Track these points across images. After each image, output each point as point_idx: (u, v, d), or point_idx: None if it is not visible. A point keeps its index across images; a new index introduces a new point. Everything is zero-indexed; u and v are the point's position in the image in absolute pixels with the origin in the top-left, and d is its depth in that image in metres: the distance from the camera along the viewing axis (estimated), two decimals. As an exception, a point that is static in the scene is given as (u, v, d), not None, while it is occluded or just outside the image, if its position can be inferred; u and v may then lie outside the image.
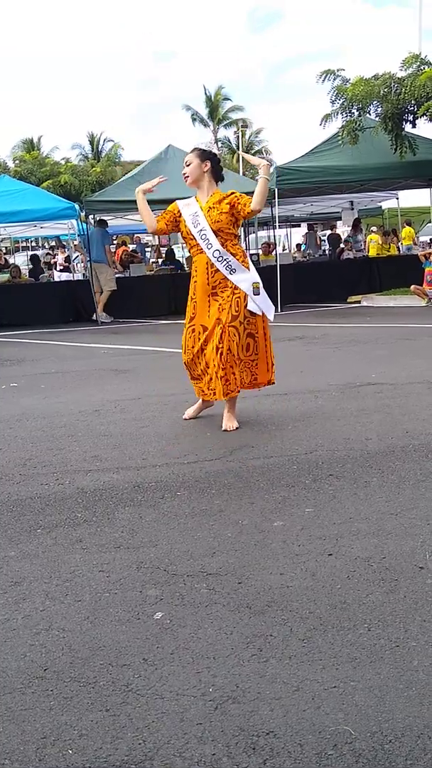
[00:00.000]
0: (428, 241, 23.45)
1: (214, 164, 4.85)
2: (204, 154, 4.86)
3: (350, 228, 19.95)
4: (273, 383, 5.06)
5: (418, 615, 2.20)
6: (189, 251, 4.96)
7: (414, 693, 1.81)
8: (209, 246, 4.71)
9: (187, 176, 4.81)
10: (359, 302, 14.62)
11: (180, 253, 21.30)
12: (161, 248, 22.43)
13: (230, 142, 49.61)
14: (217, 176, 4.89)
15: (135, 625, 2.24)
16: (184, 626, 2.22)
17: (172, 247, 21.44)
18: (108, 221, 15.44)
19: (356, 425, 4.63)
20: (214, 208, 4.73)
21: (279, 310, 13.72)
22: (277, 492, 3.44)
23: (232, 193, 4.79)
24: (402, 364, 7.04)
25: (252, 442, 4.37)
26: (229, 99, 49.32)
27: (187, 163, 4.85)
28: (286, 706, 1.78)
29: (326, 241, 22.14)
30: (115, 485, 3.68)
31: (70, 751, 1.67)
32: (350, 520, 3.04)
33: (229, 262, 4.72)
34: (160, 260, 20.04)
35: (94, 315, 14.05)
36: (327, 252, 20.90)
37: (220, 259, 4.70)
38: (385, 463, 3.78)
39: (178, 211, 4.85)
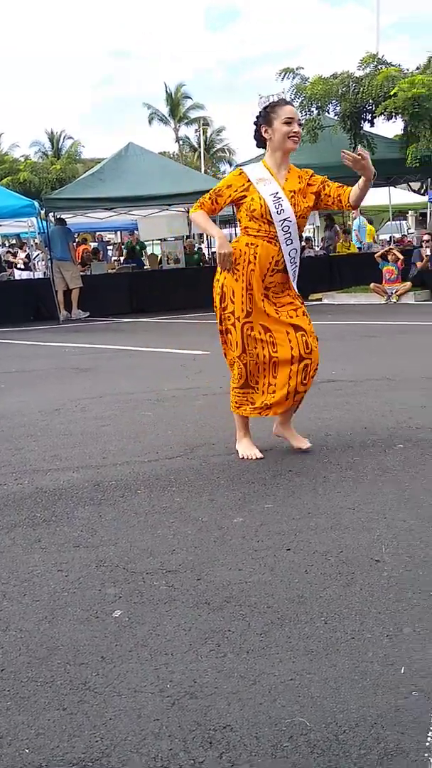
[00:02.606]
0: (387, 240, 23.71)
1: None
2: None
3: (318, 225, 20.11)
4: None
5: (373, 607, 2.23)
6: (240, 225, 3.92)
7: (368, 684, 1.84)
8: (289, 241, 3.84)
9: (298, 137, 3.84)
10: (320, 300, 14.71)
11: (151, 249, 21.22)
12: (122, 246, 22.35)
13: (191, 141, 49.63)
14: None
15: (93, 624, 2.24)
16: (142, 623, 2.22)
17: (139, 243, 21.37)
18: (69, 219, 15.33)
19: (316, 421, 4.67)
20: (297, 194, 3.83)
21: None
22: (238, 488, 3.46)
23: (313, 175, 3.91)
24: (361, 360, 7.12)
25: (212, 440, 4.38)
26: (189, 97, 49.32)
27: (299, 122, 3.93)
28: (243, 700, 1.80)
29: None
30: (74, 484, 3.66)
31: (27, 750, 1.66)
32: (309, 515, 3.07)
33: (297, 267, 3.97)
34: (122, 258, 19.95)
35: (60, 314, 13.94)
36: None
37: (292, 261, 3.90)
38: (344, 459, 3.82)
39: (246, 184, 3.81)
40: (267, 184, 3.80)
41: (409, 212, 32.63)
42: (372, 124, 13.91)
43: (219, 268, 3.88)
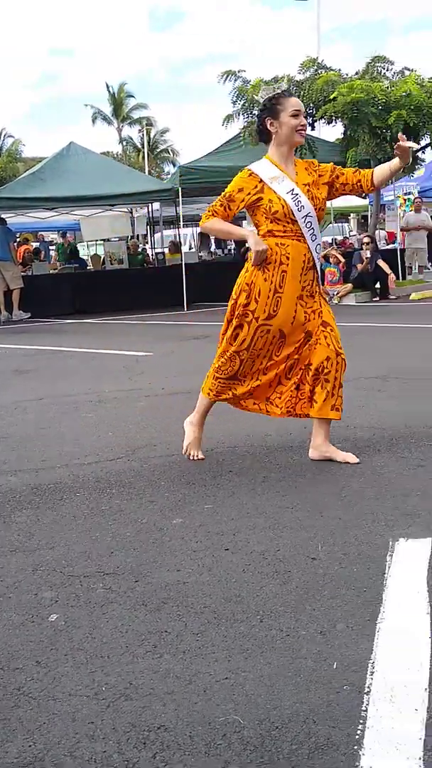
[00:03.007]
0: (329, 242, 24.01)
1: None
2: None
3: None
4: None
5: (308, 604, 2.27)
6: (259, 230, 3.73)
7: (302, 680, 1.87)
8: (314, 237, 3.72)
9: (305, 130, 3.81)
10: (264, 301, 14.83)
11: (84, 251, 21.07)
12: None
13: (135, 142, 49.42)
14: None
15: (29, 629, 2.22)
16: (79, 627, 2.21)
17: (77, 245, 21.19)
18: (9, 218, 15.10)
19: (257, 421, 4.70)
20: (312, 186, 3.72)
21: (185, 309, 13.81)
22: (178, 490, 3.47)
23: (319, 165, 3.84)
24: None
25: (154, 441, 4.38)
26: (132, 96, 49.11)
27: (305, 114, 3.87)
28: (178, 700, 1.81)
29: (232, 241, 22.35)
30: (12, 488, 3.62)
31: (-42, 759, 1.64)
32: (248, 515, 3.09)
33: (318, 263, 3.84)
34: (58, 262, 19.73)
35: (0, 314, 13.71)
36: (232, 251, 21.09)
37: (318, 258, 3.82)
38: (283, 459, 3.87)
39: (259, 185, 3.67)
40: (281, 182, 3.65)
41: (351, 215, 33.09)
42: (313, 128, 14.08)
43: (248, 264, 3.74)
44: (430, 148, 13.75)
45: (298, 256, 3.66)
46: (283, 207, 3.62)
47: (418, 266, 17.16)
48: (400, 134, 3.94)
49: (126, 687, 1.88)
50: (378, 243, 20.33)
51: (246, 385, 3.83)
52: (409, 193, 17.94)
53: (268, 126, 3.70)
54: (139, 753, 1.62)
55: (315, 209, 3.68)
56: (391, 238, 19.57)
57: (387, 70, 12.90)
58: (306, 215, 3.65)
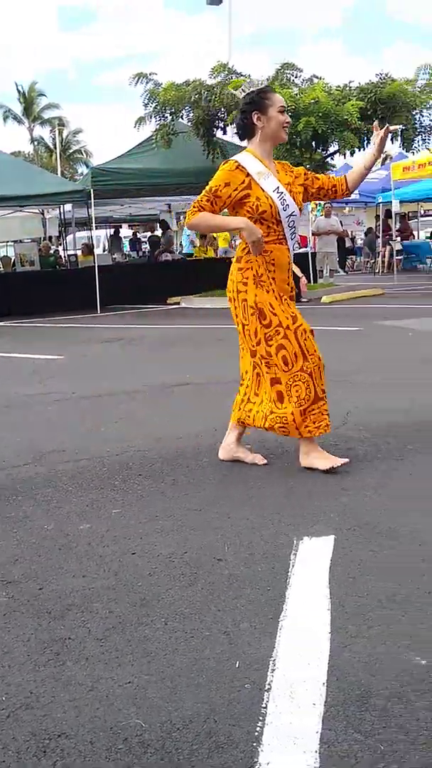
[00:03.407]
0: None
1: None
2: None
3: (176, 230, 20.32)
4: None
5: (213, 605, 2.29)
6: (241, 235, 3.53)
7: (204, 680, 1.89)
8: (293, 236, 3.63)
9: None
10: (178, 303, 14.87)
11: (3, 251, 20.58)
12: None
13: (47, 142, 48.67)
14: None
15: None
16: (-20, 638, 2.17)
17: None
18: None
19: (168, 425, 4.73)
20: (292, 185, 3.61)
21: (98, 311, 13.69)
22: (86, 495, 3.44)
23: (291, 167, 3.72)
24: (216, 363, 7.25)
25: (63, 446, 4.33)
26: (44, 95, 48.33)
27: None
28: (80, 707, 1.80)
29: (147, 243, 22.33)
30: None
31: None
32: (156, 518, 3.10)
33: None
34: None
35: None
36: (146, 253, 21.07)
37: (292, 252, 3.70)
38: (193, 461, 3.89)
39: (246, 180, 3.48)
40: (267, 178, 3.50)
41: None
42: (225, 132, 14.21)
43: (234, 287, 3.60)
44: (338, 154, 14.06)
45: (283, 262, 3.59)
46: (271, 207, 3.48)
47: (329, 270, 17.55)
48: (375, 123, 3.85)
49: (27, 696, 1.86)
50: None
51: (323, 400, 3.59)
52: (320, 198, 18.31)
53: (255, 120, 3.54)
54: (39, 762, 1.61)
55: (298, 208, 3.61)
56: (304, 242, 19.97)
57: (296, 77, 13.15)
58: (290, 215, 3.56)
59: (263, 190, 3.47)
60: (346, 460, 3.59)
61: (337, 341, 8.62)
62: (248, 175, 3.48)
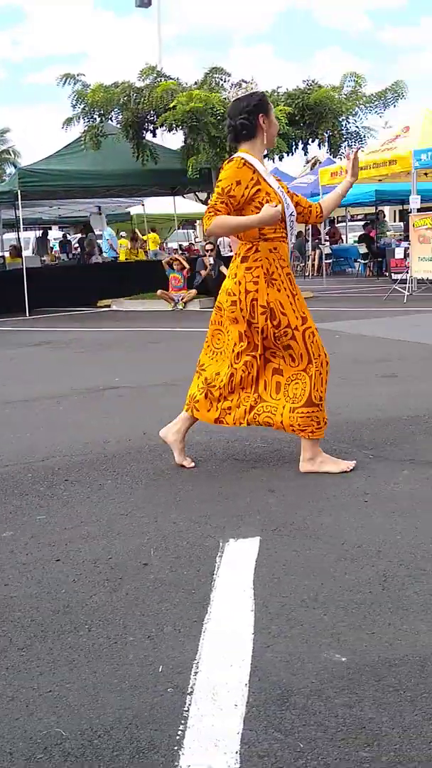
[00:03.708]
0: (175, 248, 24.29)
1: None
2: None
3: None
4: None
5: (138, 610, 2.29)
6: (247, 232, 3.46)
7: (126, 686, 1.88)
8: (293, 234, 3.64)
9: None
10: (109, 306, 14.76)
11: None
12: None
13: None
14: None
15: None
16: None
17: None
18: None
19: (96, 429, 4.69)
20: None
21: (27, 314, 13.47)
22: (10, 502, 3.38)
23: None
24: (146, 366, 7.24)
25: (-13, 452, 4.24)
26: (-30, 94, 47.24)
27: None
28: (0, 717, 1.77)
29: (77, 245, 22.11)
30: None
31: None
32: (81, 524, 3.07)
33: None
34: None
35: None
36: (77, 255, 20.85)
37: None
38: (121, 465, 3.87)
39: (254, 177, 3.41)
40: (269, 176, 3.49)
41: (198, 221, 33.60)
42: (154, 135, 14.19)
43: (242, 288, 3.47)
44: (267, 159, 14.18)
45: (287, 258, 3.56)
46: (280, 203, 3.42)
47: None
48: (347, 151, 3.79)
49: None
50: (222, 250, 20.82)
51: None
52: (250, 202, 18.46)
53: (261, 122, 3.48)
54: None
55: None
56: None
57: (225, 81, 13.21)
58: (291, 213, 3.55)
59: (271, 186, 3.45)
60: (353, 463, 3.63)
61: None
62: (255, 171, 3.41)
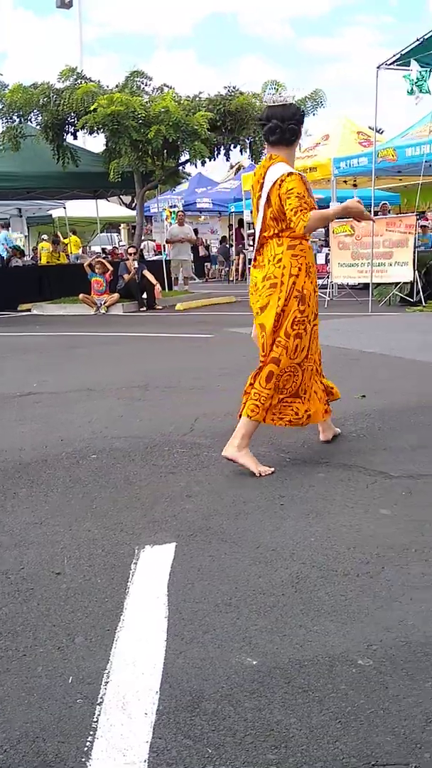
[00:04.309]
0: (98, 251, 24.09)
1: (261, 129, 3.90)
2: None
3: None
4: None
5: (48, 621, 2.25)
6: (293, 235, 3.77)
7: (35, 699, 1.85)
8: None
9: None
10: (29, 310, 14.51)
11: None
12: None
13: None
14: (269, 141, 3.85)
15: None
16: None
17: None
18: None
19: (12, 436, 4.60)
20: None
21: None
22: None
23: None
24: (65, 372, 7.14)
25: None
26: None
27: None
28: None
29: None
30: None
31: None
32: (-6, 534, 3.00)
33: None
34: None
35: None
36: (3, 256, 20.42)
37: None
38: (36, 473, 3.80)
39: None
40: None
41: (122, 225, 33.40)
42: (75, 137, 14.04)
43: (287, 272, 3.71)
44: (190, 163, 14.22)
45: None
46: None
47: (184, 277, 17.72)
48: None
49: None
50: (147, 254, 20.78)
51: (306, 405, 3.87)
52: (174, 206, 18.49)
53: (303, 133, 3.88)
54: None
55: None
56: (159, 249, 20.08)
57: (146, 85, 13.20)
58: None
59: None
60: (272, 469, 3.71)
61: (189, 348, 8.74)
62: (305, 183, 3.75)
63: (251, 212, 3.96)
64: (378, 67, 11.43)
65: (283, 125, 3.73)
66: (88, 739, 1.69)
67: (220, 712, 1.78)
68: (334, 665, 1.97)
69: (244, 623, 2.21)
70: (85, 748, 1.66)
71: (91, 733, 1.71)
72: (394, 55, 11.28)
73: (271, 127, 3.75)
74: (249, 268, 20.43)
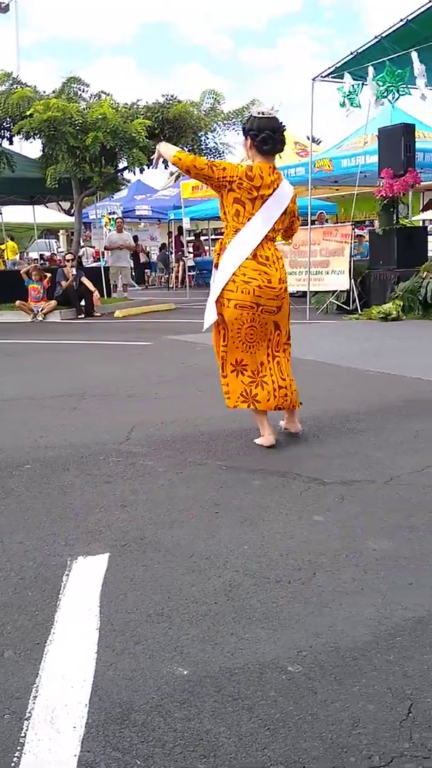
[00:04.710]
0: (35, 258, 23.82)
1: (254, 139, 4.06)
2: (243, 129, 4.17)
3: None
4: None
5: (-23, 636, 2.21)
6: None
7: (-40, 716, 1.81)
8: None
9: None
10: (-35, 318, 14.24)
11: None
12: None
13: None
14: (262, 150, 4.08)
15: None
16: None
17: None
18: None
19: None
20: None
21: None
22: None
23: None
24: (2, 380, 7.02)
25: None
26: None
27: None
28: None
29: None
30: None
31: None
32: None
33: None
34: None
35: None
36: None
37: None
38: (-32, 484, 3.73)
39: (233, 178, 4.09)
40: None
41: (60, 231, 33.11)
42: (11, 142, 13.86)
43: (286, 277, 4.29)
44: (128, 171, 14.20)
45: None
46: None
47: (122, 284, 17.65)
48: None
49: None
50: (86, 260, 20.61)
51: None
52: (113, 213, 18.42)
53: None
54: None
55: None
56: (98, 255, 19.95)
57: (83, 92, 13.13)
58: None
59: None
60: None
61: (127, 356, 8.71)
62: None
63: (237, 209, 4.13)
64: (313, 79, 11.62)
65: (275, 136, 4.06)
66: (16, 755, 1.66)
67: (149, 724, 1.78)
68: (265, 672, 1.99)
69: (176, 633, 2.21)
70: (12, 764, 1.63)
71: (19, 748, 1.69)
72: (329, 68, 11.49)
73: (265, 138, 4.04)
74: (189, 275, 20.46)
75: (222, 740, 1.72)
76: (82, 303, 13.96)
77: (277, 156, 4.20)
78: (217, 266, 4.25)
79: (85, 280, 13.92)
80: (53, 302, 13.67)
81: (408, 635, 2.16)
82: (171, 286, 22.88)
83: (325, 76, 11.62)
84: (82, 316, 13.85)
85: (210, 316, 4.25)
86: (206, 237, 28.67)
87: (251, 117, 4.11)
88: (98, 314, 13.98)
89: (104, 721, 1.79)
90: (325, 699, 1.87)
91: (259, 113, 4.07)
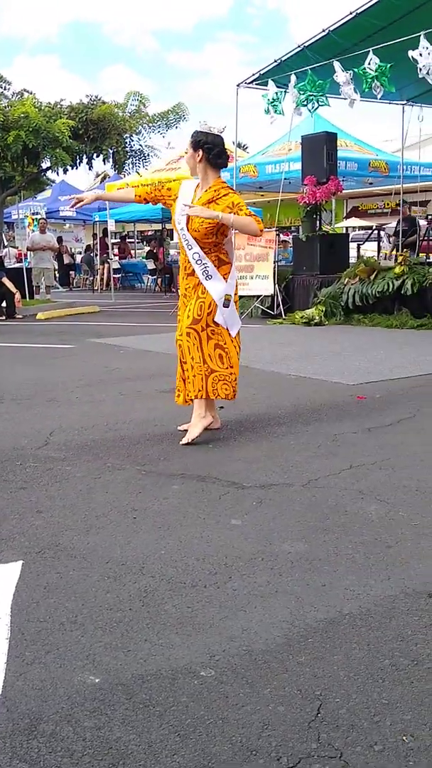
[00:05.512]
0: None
1: (208, 153, 4.39)
2: (197, 142, 4.41)
3: None
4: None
5: None
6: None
7: None
8: (189, 247, 4.48)
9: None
10: None
11: None
12: None
13: None
14: (216, 164, 4.45)
15: None
16: None
17: None
18: None
19: None
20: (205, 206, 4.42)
21: None
22: None
23: (231, 193, 4.49)
24: None
25: None
26: None
27: (186, 151, 4.63)
28: None
29: None
30: None
31: None
32: None
33: (207, 268, 4.48)
34: None
35: None
36: None
37: (198, 262, 4.48)
38: None
39: (175, 196, 4.55)
40: (185, 196, 4.50)
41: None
42: None
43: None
44: (52, 171, 14.01)
45: (183, 263, 4.59)
46: (174, 215, 4.60)
47: (45, 286, 17.38)
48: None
49: None
50: (9, 261, 20.19)
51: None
52: (37, 213, 18.13)
53: None
54: None
55: (191, 230, 4.41)
56: (21, 256, 19.60)
57: (5, 90, 12.90)
58: (181, 229, 4.48)
59: (176, 204, 4.55)
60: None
61: (48, 359, 8.57)
62: (179, 193, 4.58)
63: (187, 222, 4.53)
64: (238, 85, 11.73)
65: (221, 149, 4.42)
66: None
67: (58, 734, 1.75)
68: (177, 678, 1.98)
69: (89, 641, 2.18)
70: None
71: None
72: (253, 75, 11.61)
73: (219, 152, 4.41)
74: (114, 278, 20.26)
75: (132, 747, 1.70)
76: (3, 304, 13.67)
77: (183, 159, 4.55)
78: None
79: (6, 281, 13.63)
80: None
81: (320, 636, 2.19)
82: (96, 288, 22.64)
83: (250, 83, 11.74)
84: (3, 318, 13.56)
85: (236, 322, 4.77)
86: (132, 240, 28.55)
87: (204, 132, 4.41)
88: (20, 316, 13.71)
89: (11, 732, 1.76)
90: (236, 702, 1.88)
91: (211, 128, 4.43)
